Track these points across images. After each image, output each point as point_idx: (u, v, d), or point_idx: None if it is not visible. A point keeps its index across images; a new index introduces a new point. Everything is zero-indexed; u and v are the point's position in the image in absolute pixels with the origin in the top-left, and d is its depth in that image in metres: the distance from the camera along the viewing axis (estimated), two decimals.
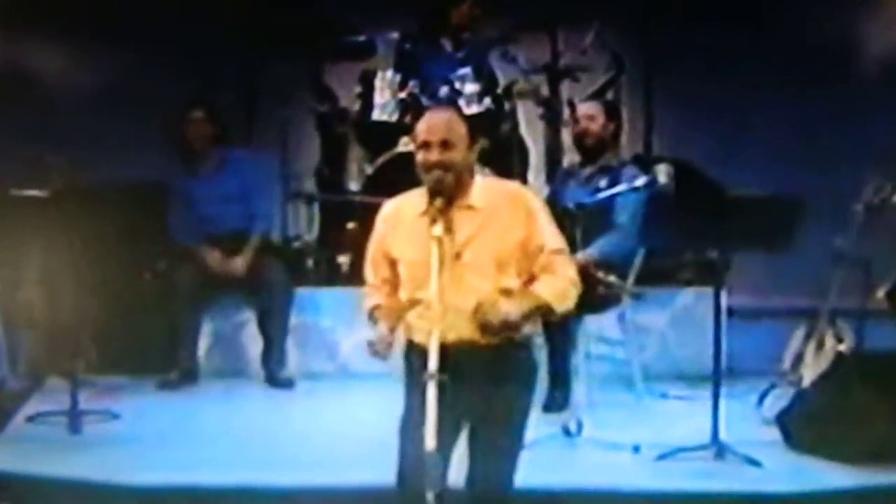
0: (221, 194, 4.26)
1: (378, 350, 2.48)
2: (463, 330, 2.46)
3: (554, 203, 3.91)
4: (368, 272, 2.64)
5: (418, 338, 2.52)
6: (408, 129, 4.68)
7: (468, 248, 2.48)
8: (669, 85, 4.86)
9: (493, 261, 2.49)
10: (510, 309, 2.47)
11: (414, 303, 2.52)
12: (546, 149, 4.72)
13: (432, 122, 2.53)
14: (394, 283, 2.59)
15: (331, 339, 4.36)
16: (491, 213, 2.51)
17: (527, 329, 2.52)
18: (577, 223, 3.65)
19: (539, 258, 2.53)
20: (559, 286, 2.54)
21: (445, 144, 2.51)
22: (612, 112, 4.04)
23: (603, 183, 3.93)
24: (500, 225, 2.51)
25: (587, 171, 3.99)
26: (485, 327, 2.47)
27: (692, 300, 4.35)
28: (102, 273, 4.09)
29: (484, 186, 2.55)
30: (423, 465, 2.28)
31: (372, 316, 2.60)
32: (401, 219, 2.56)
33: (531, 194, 2.59)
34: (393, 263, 2.58)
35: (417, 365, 2.50)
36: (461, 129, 2.53)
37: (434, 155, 2.51)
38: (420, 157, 2.52)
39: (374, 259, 2.62)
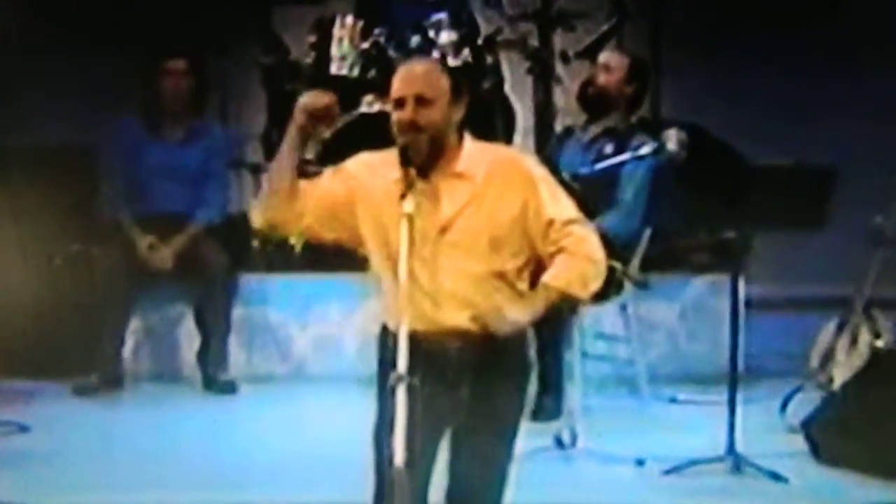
0: (180, 170, 4.20)
1: (316, 108, 2.43)
2: (445, 317, 2.40)
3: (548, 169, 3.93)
4: (315, 183, 2.51)
5: (394, 324, 2.42)
6: (372, 86, 4.70)
7: (456, 222, 2.42)
8: (682, 36, 4.85)
9: (486, 238, 2.43)
10: (520, 315, 2.43)
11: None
12: (535, 110, 4.70)
13: (407, 75, 2.46)
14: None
15: (282, 334, 4.34)
16: (484, 183, 2.44)
17: None
18: (571, 196, 3.67)
19: (549, 234, 2.45)
20: (577, 269, 2.45)
21: (421, 101, 2.44)
22: (637, 71, 3.99)
23: (608, 149, 3.90)
24: (495, 196, 2.44)
25: (590, 132, 3.98)
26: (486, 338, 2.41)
27: (705, 289, 4.37)
28: (3, 256, 4.04)
29: (475, 151, 2.48)
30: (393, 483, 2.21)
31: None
32: (377, 180, 2.46)
33: (531, 160, 2.53)
34: (347, 218, 2.47)
35: (393, 358, 2.40)
36: (442, 83, 2.46)
37: (408, 112, 2.44)
38: (394, 116, 2.46)
39: (324, 191, 2.50)
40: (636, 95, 3.98)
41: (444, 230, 2.41)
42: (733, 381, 3.45)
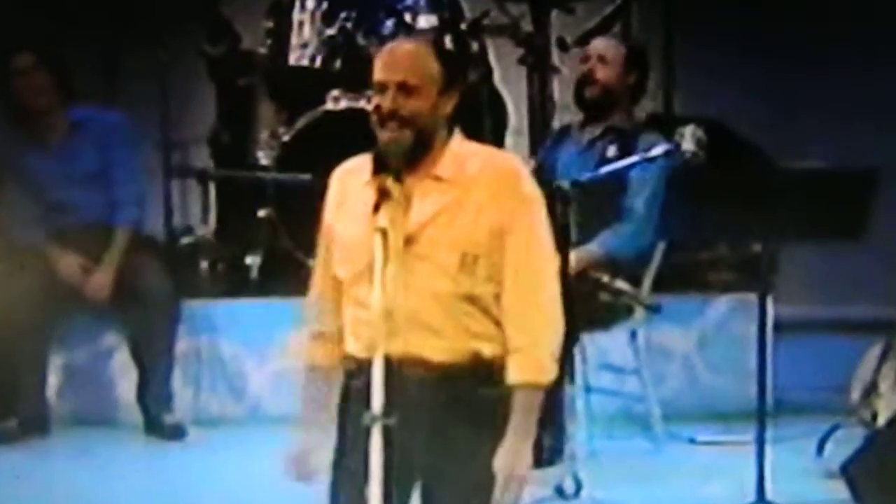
0: (74, 173, 4.17)
1: (306, 469, 2.45)
2: (410, 342, 2.38)
3: (541, 176, 3.84)
4: (318, 262, 2.52)
5: (357, 349, 2.44)
6: (338, 79, 4.67)
7: (425, 231, 2.40)
8: (699, 20, 4.87)
9: (457, 254, 2.41)
10: (518, 459, 2.39)
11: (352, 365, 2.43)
12: (529, 105, 4.71)
13: (390, 57, 2.41)
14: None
15: (235, 369, 4.33)
16: (465, 189, 2.42)
17: (488, 347, 2.44)
18: (570, 206, 3.59)
19: (507, 289, 2.42)
20: (533, 363, 2.42)
21: (406, 88, 2.39)
22: (636, 59, 3.98)
23: (611, 151, 3.91)
24: (474, 205, 2.42)
25: (589, 132, 3.97)
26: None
27: (728, 311, 4.37)
28: None
29: (460, 152, 2.45)
30: None
31: (310, 361, 2.51)
32: (350, 189, 2.47)
33: (528, 176, 2.48)
34: (337, 252, 2.49)
35: (355, 390, 2.44)
36: (431, 68, 2.41)
37: (388, 100, 2.40)
38: (375, 101, 2.42)
39: (323, 238, 2.51)
40: (638, 86, 3.98)
41: (410, 241, 2.39)
42: (761, 418, 3.45)
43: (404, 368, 2.37)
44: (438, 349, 2.41)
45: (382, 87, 2.41)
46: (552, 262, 2.49)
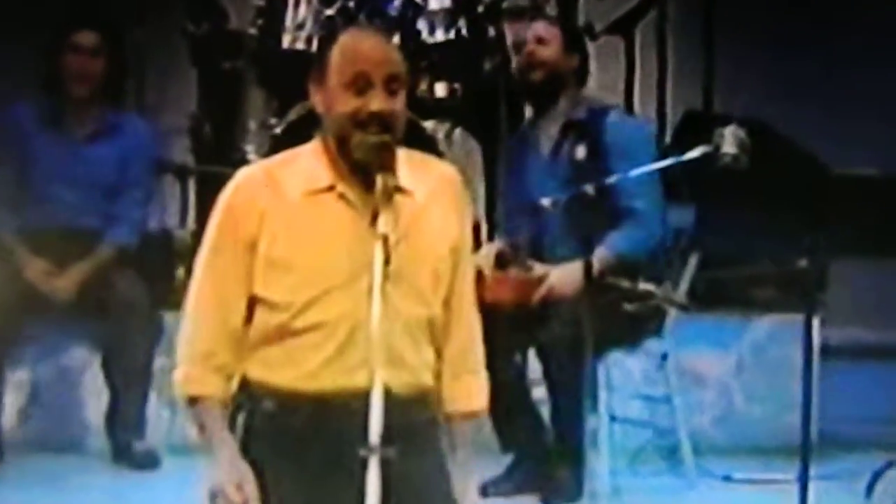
0: (87, 175, 4.17)
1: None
2: (383, 374, 2.36)
3: (513, 193, 3.94)
4: (205, 294, 2.50)
5: (293, 379, 2.45)
6: (319, 62, 4.76)
7: (397, 249, 2.41)
8: (742, 9, 4.90)
9: (428, 271, 2.47)
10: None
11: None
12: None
13: (372, 45, 2.44)
14: (245, 314, 2.48)
15: None
16: (426, 202, 2.49)
17: (432, 379, 2.51)
18: (554, 222, 3.70)
19: (455, 311, 2.52)
20: (481, 389, 2.56)
21: (395, 82, 2.43)
22: (574, 40, 4.04)
23: (580, 152, 3.89)
24: (436, 219, 2.49)
25: (546, 136, 3.94)
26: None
27: (769, 333, 4.38)
28: None
29: (410, 161, 2.51)
30: None
31: (195, 408, 2.50)
32: (287, 197, 2.46)
33: (463, 186, 2.57)
34: (269, 273, 2.47)
35: (280, 428, 2.44)
36: (403, 62, 2.47)
37: (380, 100, 2.42)
38: (352, 102, 2.42)
39: (224, 269, 2.49)
40: (581, 69, 4.02)
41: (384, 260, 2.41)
42: (805, 454, 3.44)
43: (359, 399, 2.36)
44: (402, 382, 2.45)
45: (364, 80, 2.41)
46: (471, 284, 2.58)
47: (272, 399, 2.46)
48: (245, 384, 2.49)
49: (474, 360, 2.56)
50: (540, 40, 3.98)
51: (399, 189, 2.45)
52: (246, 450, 2.47)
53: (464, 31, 4.58)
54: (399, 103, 2.43)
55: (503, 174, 4.16)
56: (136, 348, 4.15)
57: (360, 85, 2.41)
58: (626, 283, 3.74)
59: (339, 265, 2.42)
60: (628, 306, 3.80)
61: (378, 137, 2.41)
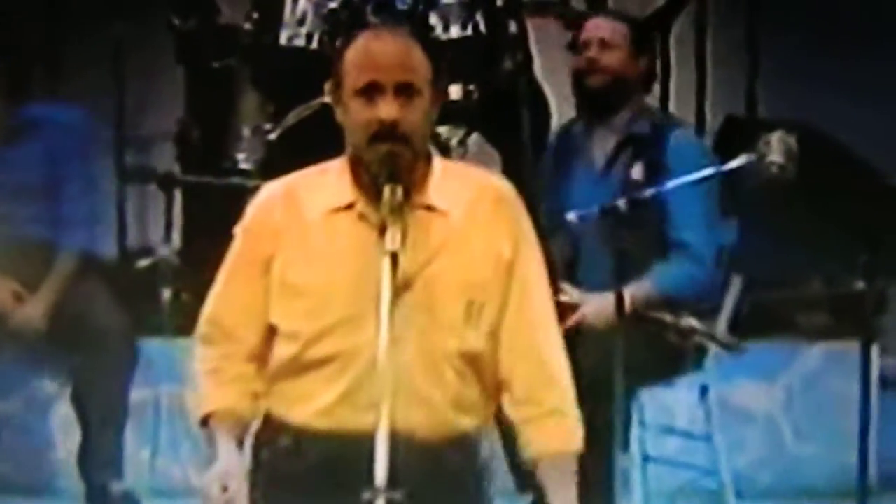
0: (16, 183, 4.16)
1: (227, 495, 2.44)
2: (395, 415, 2.38)
3: (548, 210, 3.84)
4: (217, 309, 2.57)
5: (313, 419, 2.48)
6: (335, 67, 4.76)
7: (422, 274, 2.45)
8: (789, 5, 4.88)
9: (462, 301, 2.48)
10: None
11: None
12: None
13: (383, 51, 2.46)
14: (264, 338, 2.54)
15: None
16: (462, 221, 2.49)
17: (472, 421, 2.51)
18: (589, 241, 3.65)
19: (515, 343, 2.50)
20: (564, 427, 2.53)
21: (408, 90, 2.45)
22: (642, 41, 3.96)
23: (637, 172, 3.83)
24: (478, 242, 2.49)
25: (601, 147, 3.92)
26: None
27: (822, 363, 4.39)
28: None
29: (446, 175, 2.52)
30: None
31: (208, 426, 2.56)
32: (305, 217, 2.51)
33: (519, 202, 2.56)
34: (283, 298, 2.52)
35: (289, 468, 2.48)
36: (425, 65, 2.49)
37: (390, 108, 2.44)
38: (364, 111, 2.46)
39: (238, 286, 2.56)
40: (648, 72, 3.96)
41: (405, 286, 2.42)
42: (863, 496, 3.45)
43: (391, 442, 2.36)
44: (424, 423, 2.46)
45: (376, 88, 2.44)
46: (552, 307, 2.56)
47: (289, 436, 2.50)
48: (267, 420, 2.54)
49: (553, 399, 2.52)
50: (605, 44, 3.90)
51: (429, 207, 2.46)
52: (262, 488, 2.50)
53: (481, 27, 4.58)
54: (415, 111, 2.44)
55: (545, 184, 4.08)
56: (111, 379, 4.15)
57: (371, 92, 2.44)
58: (668, 318, 3.72)
59: (355, 292, 2.42)
60: (668, 336, 3.78)
61: (386, 147, 2.42)
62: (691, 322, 3.77)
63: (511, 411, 2.51)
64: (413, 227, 2.44)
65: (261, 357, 2.54)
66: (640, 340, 3.56)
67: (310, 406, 2.48)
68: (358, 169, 2.49)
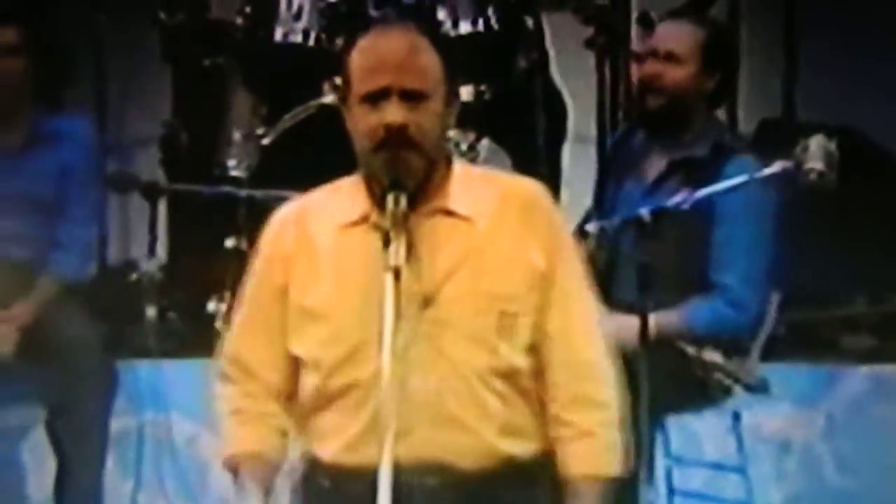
0: (18, 198, 4.17)
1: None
2: (427, 442, 2.44)
3: (598, 215, 3.82)
4: (235, 346, 2.61)
5: (334, 453, 2.50)
6: (339, 62, 4.81)
7: (445, 287, 2.47)
8: (829, 2, 4.90)
9: (493, 313, 2.48)
10: None
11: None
12: (598, 103, 4.73)
13: (388, 50, 2.47)
14: (288, 373, 2.57)
15: (192, 456, 4.33)
16: (489, 228, 2.50)
17: (525, 446, 2.50)
18: (618, 262, 3.60)
19: (556, 356, 2.50)
20: (602, 448, 2.52)
21: (417, 95, 2.46)
22: (717, 52, 3.81)
23: (683, 196, 3.67)
24: (507, 249, 2.50)
25: (656, 156, 3.85)
26: None
27: (866, 388, 4.34)
28: None
29: (469, 179, 2.53)
30: None
31: (233, 465, 2.58)
32: (317, 236, 2.54)
33: (554, 207, 2.56)
34: (299, 325, 2.54)
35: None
36: (436, 65, 2.50)
37: (396, 111, 2.45)
38: (369, 117, 2.47)
39: (255, 319, 2.59)
40: (721, 87, 3.84)
41: (427, 301, 2.44)
42: None
43: (417, 478, 2.41)
44: (464, 450, 2.45)
45: (382, 93, 2.45)
46: (597, 316, 2.56)
47: (325, 476, 2.51)
48: (306, 459, 2.55)
49: (587, 420, 2.51)
50: (671, 57, 3.73)
51: (450, 213, 2.47)
52: None
53: (493, 23, 4.58)
54: (424, 114, 2.45)
55: (596, 189, 4.03)
56: (89, 405, 4.12)
57: (376, 97, 2.45)
58: (689, 349, 3.69)
59: (371, 312, 2.41)
60: (694, 368, 3.74)
61: (392, 152, 2.44)
62: (715, 357, 3.73)
63: (550, 428, 2.51)
64: (432, 235, 2.46)
65: (286, 393, 2.56)
66: (665, 366, 3.52)
67: (337, 441, 2.49)
68: (371, 181, 2.50)
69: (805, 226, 3.61)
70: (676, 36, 3.79)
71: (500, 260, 2.48)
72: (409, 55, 2.46)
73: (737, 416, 3.94)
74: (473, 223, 2.48)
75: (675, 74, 3.75)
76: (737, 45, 4.07)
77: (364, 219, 2.50)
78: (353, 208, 2.51)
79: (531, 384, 2.50)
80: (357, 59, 2.48)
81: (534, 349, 2.49)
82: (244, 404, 2.56)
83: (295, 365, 2.54)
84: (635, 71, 3.90)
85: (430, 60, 2.48)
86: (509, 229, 2.49)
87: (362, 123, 2.46)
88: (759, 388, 3.82)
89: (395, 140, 2.44)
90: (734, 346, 3.79)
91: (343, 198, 2.53)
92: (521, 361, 2.48)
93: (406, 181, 2.44)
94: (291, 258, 2.52)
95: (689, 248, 3.69)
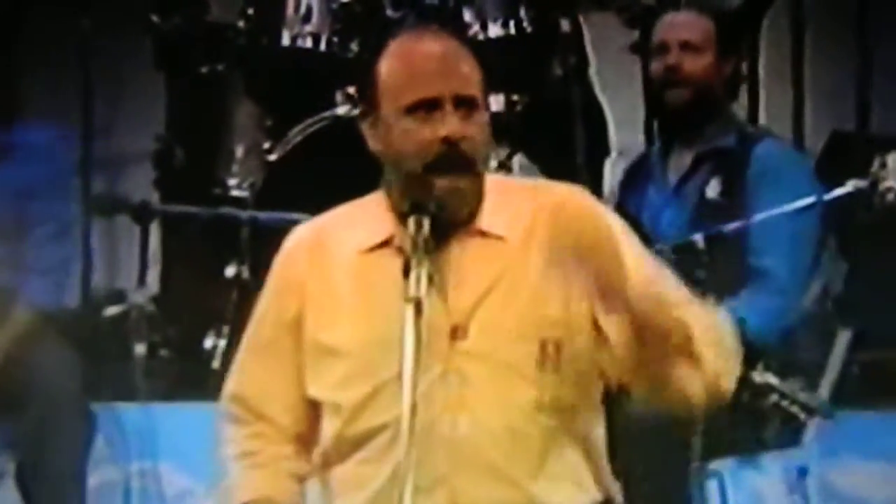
0: None
1: None
2: (460, 493, 2.44)
3: None
4: (241, 382, 2.61)
5: None
6: (351, 70, 4.69)
7: (476, 315, 2.47)
8: None
9: (533, 343, 2.47)
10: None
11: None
12: (647, 114, 4.65)
13: (432, 55, 2.48)
14: (302, 416, 2.57)
15: None
16: (523, 246, 2.50)
17: (573, 498, 2.48)
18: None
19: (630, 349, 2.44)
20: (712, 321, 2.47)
21: (470, 102, 2.46)
22: (729, 40, 3.95)
23: (713, 189, 3.82)
24: (544, 269, 2.49)
25: (679, 155, 3.94)
26: None
27: None
28: None
29: (501, 192, 2.54)
30: None
31: None
32: (335, 261, 2.54)
33: (601, 206, 2.57)
34: (316, 363, 2.55)
35: None
36: (478, 73, 2.50)
37: (453, 122, 2.44)
38: (419, 131, 2.46)
39: (265, 353, 2.59)
40: (734, 75, 3.97)
41: (457, 333, 2.44)
42: None
43: None
44: (504, 500, 2.41)
45: (433, 107, 2.43)
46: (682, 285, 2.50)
47: None
48: None
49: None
50: (687, 46, 3.88)
51: (483, 233, 2.48)
52: None
53: (526, 25, 4.58)
54: (477, 127, 2.46)
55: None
56: (67, 453, 4.10)
57: (426, 109, 2.45)
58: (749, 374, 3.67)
59: (398, 345, 2.39)
60: (750, 399, 3.69)
61: (448, 180, 2.43)
62: (767, 378, 3.68)
63: None
64: (461, 258, 2.46)
65: (300, 438, 2.56)
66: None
67: (360, 496, 2.47)
68: (400, 200, 2.50)
69: (881, 254, 3.59)
70: (688, 25, 3.89)
71: (537, 279, 2.47)
72: (456, 59, 2.49)
73: (803, 472, 3.92)
74: (506, 242, 2.49)
75: (694, 64, 3.85)
76: (743, 32, 4.15)
77: (388, 242, 2.50)
78: (377, 230, 2.51)
79: (584, 425, 2.48)
80: (392, 66, 2.48)
81: (584, 382, 2.47)
82: (254, 446, 2.56)
83: (311, 408, 2.54)
84: (653, 66, 3.96)
85: (474, 67, 2.50)
86: (545, 244, 2.49)
87: (409, 140, 2.45)
88: (823, 412, 3.75)
89: (450, 159, 2.43)
90: (788, 363, 3.76)
91: (366, 218, 2.54)
92: (570, 395, 2.46)
93: (459, 211, 2.44)
94: (307, 286, 2.53)
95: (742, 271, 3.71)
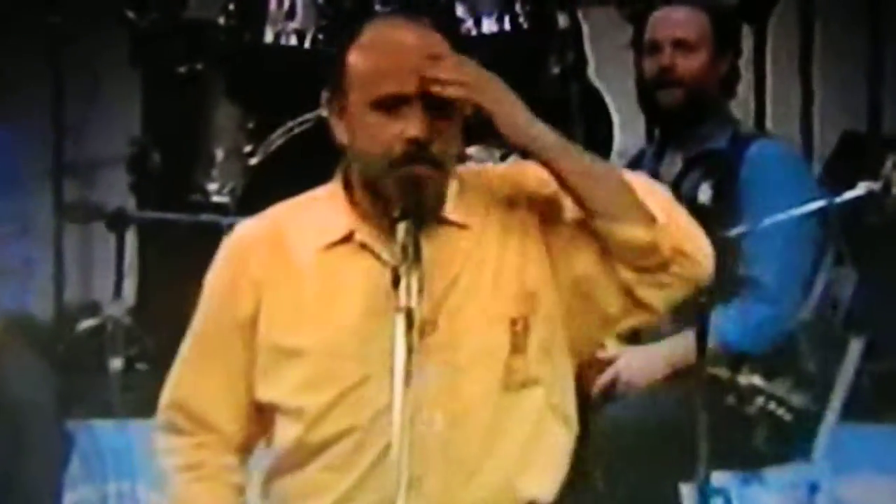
0: None
1: None
2: (439, 493, 2.46)
3: None
4: (183, 390, 2.61)
5: None
6: (335, 70, 4.85)
7: (444, 308, 2.49)
8: None
9: (500, 323, 2.50)
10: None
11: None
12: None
13: (402, 44, 2.48)
14: (248, 423, 2.58)
15: None
16: (480, 229, 2.53)
17: (549, 487, 2.50)
18: None
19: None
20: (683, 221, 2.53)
21: (441, 104, 2.46)
22: (727, 34, 3.94)
23: (704, 193, 3.77)
24: (497, 245, 2.52)
25: (672, 158, 3.94)
26: None
27: None
28: None
29: (463, 180, 2.55)
30: None
31: None
32: (294, 259, 2.54)
33: (544, 177, 2.56)
34: (273, 367, 2.54)
35: None
36: (457, 65, 2.52)
37: (419, 124, 2.45)
38: (384, 128, 2.47)
39: (209, 358, 2.59)
40: (731, 72, 3.94)
41: (426, 328, 2.44)
42: None
43: None
44: (480, 498, 2.43)
45: (401, 102, 2.45)
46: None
47: None
48: None
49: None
50: (681, 44, 3.85)
51: (447, 221, 2.51)
52: None
53: (522, 20, 4.59)
54: (448, 127, 2.48)
55: None
56: (41, 474, 4.05)
57: (394, 104, 2.45)
58: (722, 373, 3.66)
59: (364, 346, 2.44)
60: (748, 408, 3.70)
61: (413, 169, 2.45)
62: (752, 380, 3.69)
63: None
64: (430, 253, 2.45)
65: (244, 446, 2.57)
66: (697, 406, 3.45)
67: (321, 502, 2.48)
68: (362, 193, 2.51)
69: (892, 259, 3.58)
70: (682, 21, 3.86)
71: (494, 260, 2.50)
72: (429, 46, 2.48)
73: (814, 489, 3.90)
74: (469, 229, 2.51)
75: (689, 63, 3.83)
76: (739, 25, 4.13)
77: (348, 237, 2.50)
78: (336, 225, 2.52)
79: (560, 398, 2.50)
80: (363, 56, 2.48)
81: (553, 354, 2.49)
82: (198, 458, 2.56)
83: (257, 414, 2.54)
84: (646, 65, 3.93)
85: (444, 51, 2.50)
86: (497, 222, 2.52)
87: (375, 135, 2.46)
88: (809, 412, 3.75)
89: (415, 156, 2.45)
90: (774, 364, 3.74)
91: (322, 212, 2.54)
92: (537, 371, 2.49)
93: (421, 208, 2.45)
94: (264, 285, 2.52)
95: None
